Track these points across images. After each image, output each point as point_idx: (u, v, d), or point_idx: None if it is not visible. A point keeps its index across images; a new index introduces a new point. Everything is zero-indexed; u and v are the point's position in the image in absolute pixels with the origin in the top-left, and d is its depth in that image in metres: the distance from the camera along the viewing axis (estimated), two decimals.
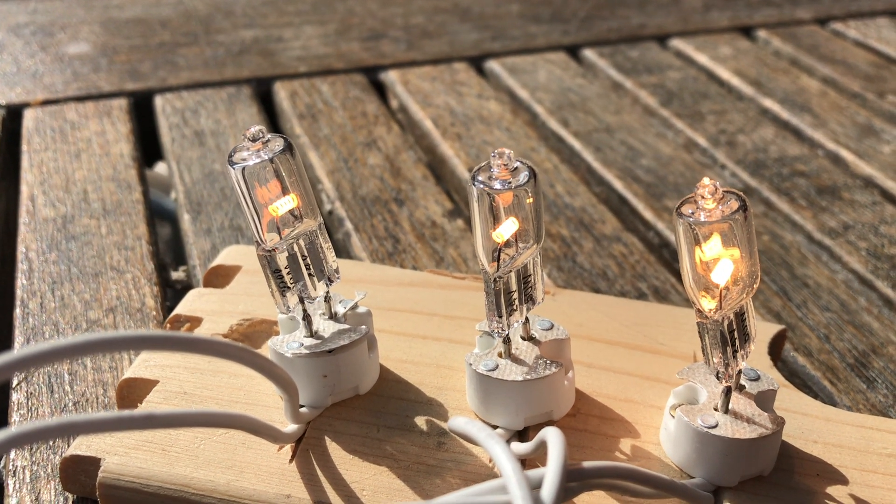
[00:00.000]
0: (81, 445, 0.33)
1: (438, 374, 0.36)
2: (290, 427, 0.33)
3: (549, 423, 0.34)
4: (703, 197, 0.29)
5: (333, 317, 0.35)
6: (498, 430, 0.33)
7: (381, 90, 0.72)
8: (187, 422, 0.28)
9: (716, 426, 0.31)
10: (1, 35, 0.79)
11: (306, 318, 0.34)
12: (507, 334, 0.33)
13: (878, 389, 0.41)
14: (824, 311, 0.46)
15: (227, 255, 0.44)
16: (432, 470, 0.32)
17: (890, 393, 0.41)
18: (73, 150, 0.60)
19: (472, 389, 0.34)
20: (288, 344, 0.34)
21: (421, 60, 0.75)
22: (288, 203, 0.32)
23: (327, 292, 0.35)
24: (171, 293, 0.49)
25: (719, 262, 0.30)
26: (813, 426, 0.34)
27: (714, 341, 0.31)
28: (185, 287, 0.48)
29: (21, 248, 0.50)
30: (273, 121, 0.69)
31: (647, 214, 0.55)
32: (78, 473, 0.33)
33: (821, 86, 0.72)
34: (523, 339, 0.34)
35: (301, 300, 0.34)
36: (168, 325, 0.40)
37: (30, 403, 0.39)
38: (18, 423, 0.38)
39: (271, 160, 0.32)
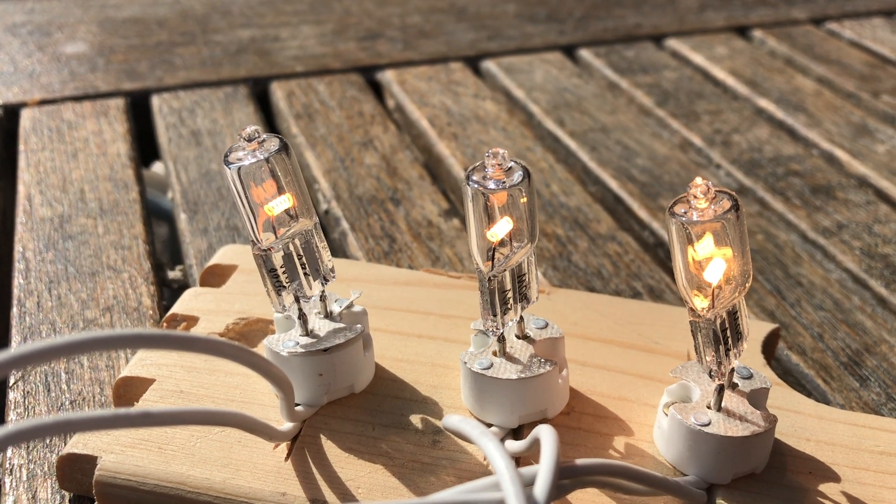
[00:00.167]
0: (78, 444, 0.33)
1: (434, 372, 0.37)
2: (285, 425, 0.33)
3: (544, 421, 0.34)
4: (695, 196, 0.29)
5: (329, 316, 0.35)
6: (492, 429, 0.34)
7: (377, 90, 0.72)
8: (183, 420, 0.29)
9: (708, 424, 0.31)
10: None
11: (302, 317, 0.34)
12: (502, 333, 0.33)
13: (870, 388, 0.42)
14: (818, 310, 0.47)
15: (224, 255, 0.44)
16: (427, 468, 0.32)
17: (882, 391, 0.41)
18: (70, 149, 0.60)
19: (466, 388, 0.34)
20: (284, 343, 0.34)
21: (417, 60, 0.75)
22: (283, 203, 0.32)
23: (323, 291, 0.35)
24: (168, 292, 0.49)
25: (712, 261, 0.30)
26: (805, 424, 0.35)
27: (707, 340, 0.31)
28: (182, 286, 0.48)
29: (18, 248, 0.50)
30: (270, 120, 0.69)
31: (642, 214, 0.55)
32: (74, 471, 0.33)
33: (816, 86, 0.72)
34: (518, 337, 0.35)
35: (297, 299, 0.34)
36: (164, 324, 0.40)
37: (26, 402, 0.39)
38: (15, 421, 0.38)
39: (267, 160, 0.32)
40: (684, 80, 0.73)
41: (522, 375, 0.33)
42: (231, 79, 0.71)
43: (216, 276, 0.43)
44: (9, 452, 0.36)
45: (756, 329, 0.39)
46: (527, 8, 0.87)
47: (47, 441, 0.37)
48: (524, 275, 0.33)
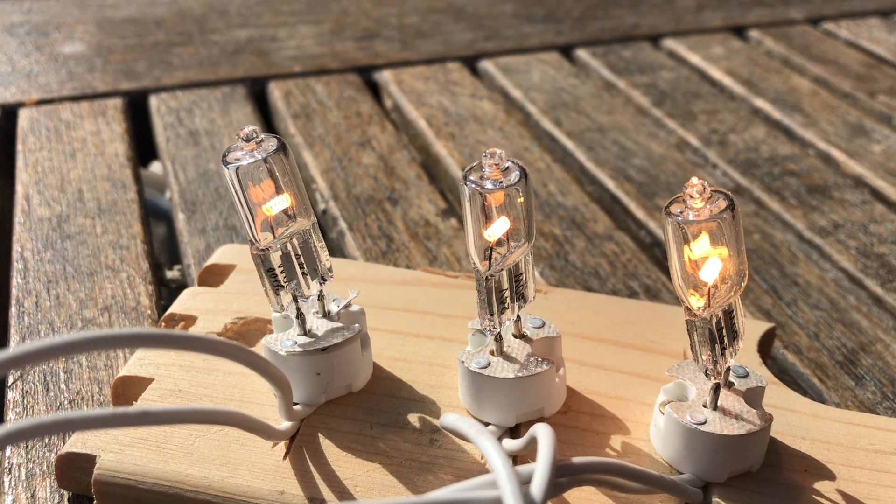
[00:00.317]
0: (77, 443, 0.33)
1: (431, 371, 0.37)
2: (283, 424, 0.33)
3: (541, 419, 0.34)
4: (691, 196, 0.29)
5: (327, 315, 0.36)
6: (490, 427, 0.34)
7: (375, 90, 0.72)
8: (182, 419, 0.29)
9: (704, 423, 0.31)
10: None
11: (300, 316, 0.34)
12: (499, 332, 0.34)
13: (866, 386, 0.42)
14: (814, 310, 0.47)
15: (222, 254, 0.44)
16: (425, 466, 0.32)
17: (878, 390, 0.41)
18: (69, 149, 0.60)
19: (464, 387, 0.34)
20: (282, 342, 0.34)
21: (415, 60, 0.76)
22: (281, 202, 0.33)
23: (321, 291, 0.35)
24: (166, 292, 0.49)
25: (707, 260, 0.30)
26: (801, 423, 0.35)
27: (702, 339, 0.31)
28: (180, 286, 0.49)
29: (16, 248, 0.50)
30: (267, 120, 0.69)
31: (639, 213, 0.55)
32: (73, 471, 0.33)
33: (812, 85, 0.73)
34: (515, 336, 0.35)
35: (295, 299, 0.34)
36: (163, 324, 0.40)
37: (25, 402, 0.39)
38: (14, 420, 0.38)
39: (265, 160, 0.32)
40: (681, 80, 0.73)
41: (519, 374, 0.33)
42: (229, 79, 0.71)
43: (214, 276, 0.43)
44: (8, 452, 0.36)
45: (752, 328, 0.40)
46: (524, 8, 0.87)
47: (46, 440, 0.37)
48: (521, 274, 0.33)
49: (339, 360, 0.34)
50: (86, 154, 0.60)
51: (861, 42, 0.81)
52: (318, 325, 0.35)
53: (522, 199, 0.31)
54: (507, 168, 0.31)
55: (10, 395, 0.39)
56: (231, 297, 0.41)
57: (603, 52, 0.78)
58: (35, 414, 0.38)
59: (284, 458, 0.33)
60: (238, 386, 0.36)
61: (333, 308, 0.36)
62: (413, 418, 0.34)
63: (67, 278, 0.47)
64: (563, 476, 0.28)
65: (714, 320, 0.31)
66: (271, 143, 0.32)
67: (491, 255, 0.32)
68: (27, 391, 0.40)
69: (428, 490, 0.31)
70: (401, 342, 0.38)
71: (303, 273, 0.34)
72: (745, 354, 0.38)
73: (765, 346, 0.40)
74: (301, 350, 0.34)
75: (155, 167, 0.75)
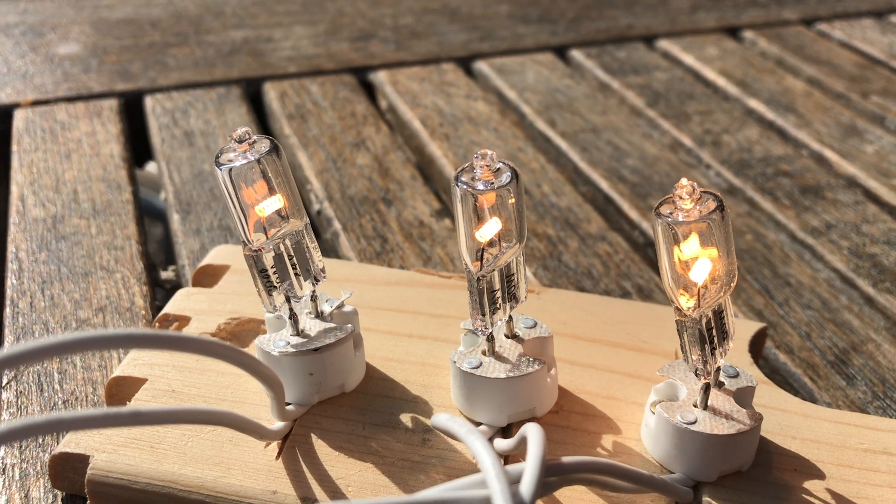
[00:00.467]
0: (70, 443, 0.33)
1: (424, 371, 0.37)
2: (276, 424, 0.33)
3: (532, 419, 0.35)
4: (681, 197, 0.30)
5: (320, 315, 0.36)
6: (481, 427, 0.34)
7: (370, 91, 0.73)
8: (175, 419, 0.29)
9: (694, 422, 0.31)
10: None
11: (293, 316, 0.34)
12: (491, 332, 0.34)
13: (857, 386, 0.42)
14: (806, 310, 0.47)
15: (216, 255, 0.44)
16: (417, 466, 0.33)
17: (869, 390, 0.42)
18: (64, 150, 0.60)
19: (456, 387, 0.35)
20: (275, 342, 0.34)
21: (410, 61, 0.76)
22: (274, 203, 0.33)
23: (313, 291, 0.35)
24: (161, 292, 0.49)
25: (697, 261, 0.30)
26: (791, 422, 0.35)
27: (692, 339, 0.31)
28: (174, 286, 0.49)
29: (11, 248, 0.50)
30: (262, 121, 0.69)
31: (633, 214, 0.55)
32: (67, 471, 0.33)
33: (806, 86, 0.73)
34: (507, 337, 0.35)
35: (287, 299, 0.34)
36: (157, 325, 0.40)
37: (19, 402, 0.39)
38: (8, 420, 0.38)
39: (258, 161, 0.32)
40: (675, 81, 0.73)
41: (511, 374, 0.33)
42: (224, 79, 0.71)
43: (208, 277, 0.43)
44: (1, 452, 0.36)
45: (743, 328, 0.40)
46: (519, 9, 0.87)
47: (40, 440, 0.37)
48: (513, 275, 0.33)
49: (331, 361, 0.34)
50: (81, 155, 0.60)
51: (854, 43, 0.81)
52: (311, 326, 0.35)
53: (514, 200, 0.32)
54: (499, 169, 0.31)
55: (5, 395, 0.40)
56: (225, 298, 0.41)
57: (597, 53, 0.78)
58: (29, 414, 0.39)
59: (277, 458, 0.33)
60: (231, 386, 0.36)
61: (326, 308, 0.36)
62: (405, 418, 0.35)
63: (62, 279, 0.47)
64: (553, 475, 0.28)
65: (704, 320, 0.31)
66: (264, 145, 0.32)
67: (482, 255, 0.32)
68: (21, 391, 0.40)
69: (420, 490, 0.31)
70: (394, 342, 0.38)
71: (295, 274, 0.34)
72: (736, 354, 0.38)
73: (756, 346, 0.40)
74: (294, 350, 0.34)
75: (150, 168, 0.75)
